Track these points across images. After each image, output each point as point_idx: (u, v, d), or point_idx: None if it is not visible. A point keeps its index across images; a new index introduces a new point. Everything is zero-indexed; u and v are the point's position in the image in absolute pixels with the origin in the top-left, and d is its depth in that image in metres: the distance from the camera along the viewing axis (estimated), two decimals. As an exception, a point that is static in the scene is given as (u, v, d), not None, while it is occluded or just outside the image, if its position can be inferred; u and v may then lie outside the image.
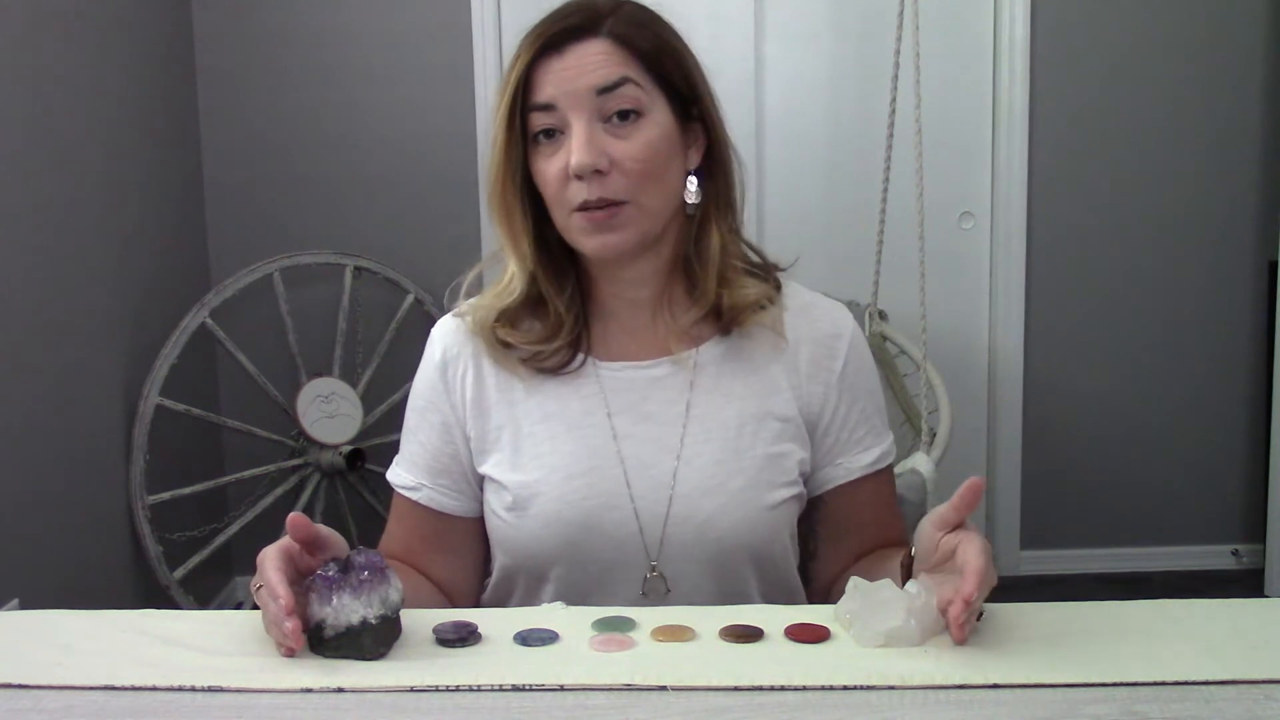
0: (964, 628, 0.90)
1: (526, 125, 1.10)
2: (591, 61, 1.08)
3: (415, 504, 1.20)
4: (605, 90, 1.08)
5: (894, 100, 2.29)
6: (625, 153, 1.08)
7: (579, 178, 1.07)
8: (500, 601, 1.22)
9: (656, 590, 1.14)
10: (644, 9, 1.14)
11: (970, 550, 0.91)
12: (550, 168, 1.09)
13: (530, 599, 1.18)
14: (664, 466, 1.14)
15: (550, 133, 1.09)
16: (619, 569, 1.14)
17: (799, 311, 1.19)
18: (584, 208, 1.08)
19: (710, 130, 1.16)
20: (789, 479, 1.16)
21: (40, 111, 2.35)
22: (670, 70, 1.12)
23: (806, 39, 3.20)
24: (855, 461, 1.19)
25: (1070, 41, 3.15)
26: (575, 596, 1.15)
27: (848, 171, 3.20)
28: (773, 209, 3.20)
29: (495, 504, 1.17)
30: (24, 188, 2.29)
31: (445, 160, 3.16)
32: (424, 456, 1.20)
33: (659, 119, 1.10)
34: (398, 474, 1.22)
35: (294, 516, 0.96)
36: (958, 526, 0.96)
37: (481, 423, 1.18)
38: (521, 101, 1.09)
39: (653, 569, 1.14)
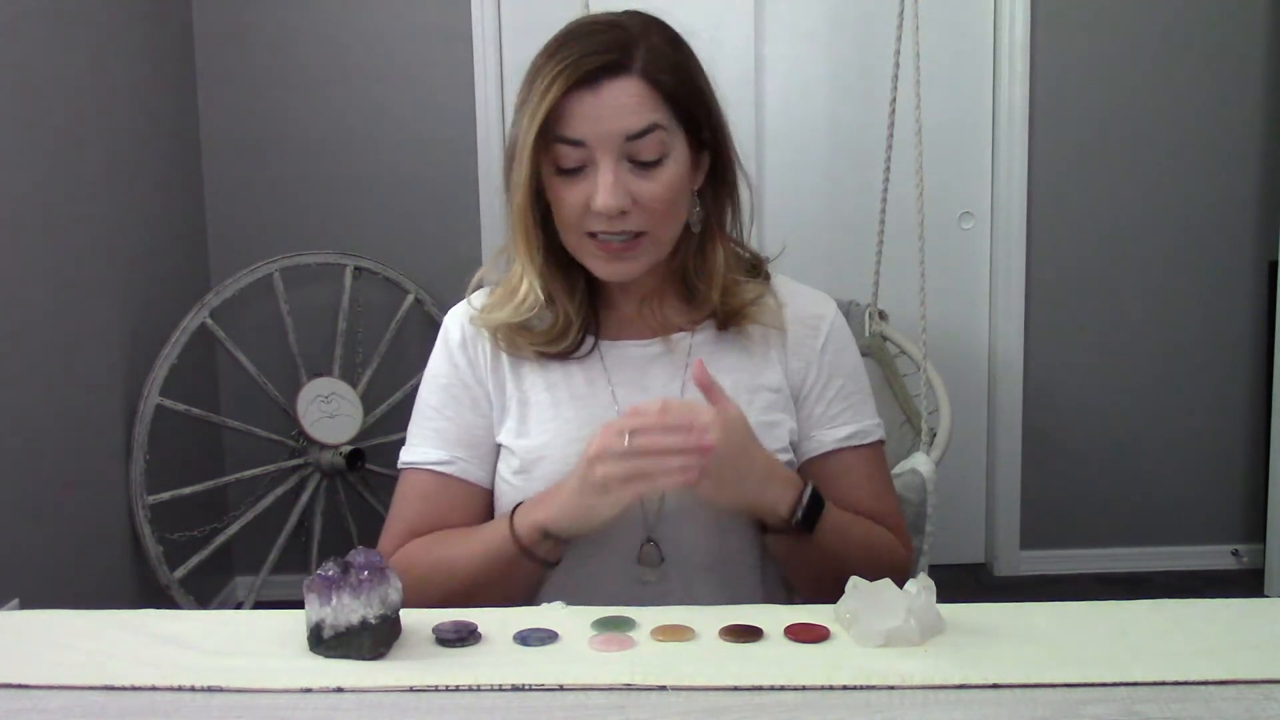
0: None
1: (550, 152, 1.12)
2: (624, 105, 1.10)
3: (445, 479, 1.22)
4: (635, 136, 1.10)
5: (894, 100, 2.29)
6: (649, 193, 1.12)
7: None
8: None
9: (651, 559, 1.18)
10: (669, 37, 1.16)
11: None
12: (571, 196, 1.12)
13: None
14: None
15: (573, 162, 1.12)
16: (616, 534, 1.17)
17: (785, 297, 1.25)
18: (600, 236, 1.12)
19: (718, 152, 1.19)
20: (780, 446, 1.20)
21: (40, 112, 2.35)
22: (693, 107, 1.15)
23: (806, 39, 3.20)
24: (828, 435, 1.23)
25: (1070, 41, 3.15)
26: (573, 562, 1.18)
27: (848, 171, 3.20)
28: (773, 209, 3.20)
29: (504, 470, 1.21)
30: (24, 188, 2.28)
31: (445, 161, 3.16)
32: (455, 431, 1.22)
33: (679, 157, 1.14)
34: (425, 452, 1.23)
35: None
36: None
37: (499, 393, 1.23)
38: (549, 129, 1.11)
39: (648, 539, 1.18)
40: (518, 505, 1.15)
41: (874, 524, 1.21)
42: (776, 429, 1.21)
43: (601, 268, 1.15)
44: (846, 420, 1.23)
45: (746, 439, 1.08)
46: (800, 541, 1.12)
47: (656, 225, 1.13)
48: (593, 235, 1.13)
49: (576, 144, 1.10)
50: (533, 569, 1.13)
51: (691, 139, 1.15)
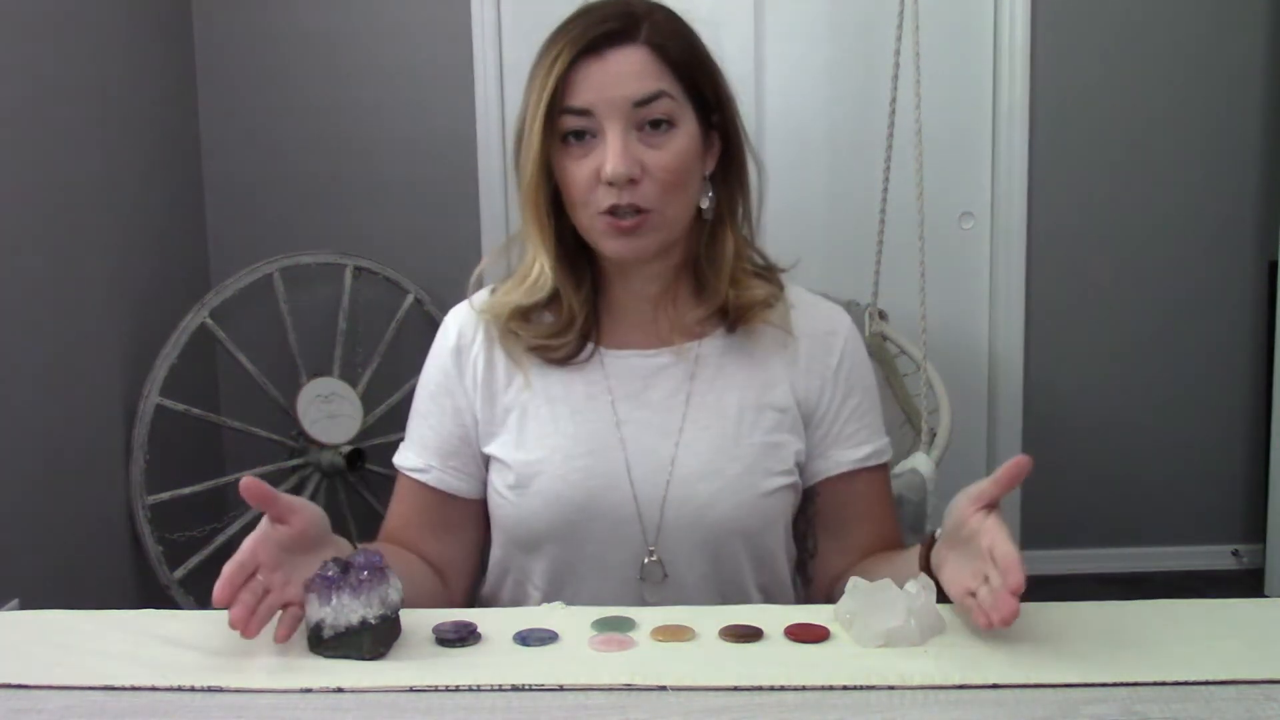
0: (1009, 619, 0.88)
1: (556, 124, 1.11)
2: (630, 70, 1.09)
3: (422, 485, 1.22)
4: (642, 103, 1.09)
5: (894, 100, 2.29)
6: (658, 162, 1.10)
7: (611, 184, 1.09)
8: (498, 584, 1.24)
9: (654, 576, 1.16)
10: (675, 15, 1.16)
11: (999, 538, 0.91)
12: (580, 170, 1.11)
13: (527, 581, 1.21)
14: (663, 451, 1.17)
15: (580, 134, 1.11)
16: (616, 551, 1.16)
17: (799, 310, 1.22)
18: (611, 212, 1.10)
19: (728, 137, 1.18)
20: (785, 468, 1.18)
21: (40, 112, 2.35)
22: (700, 81, 1.14)
23: (806, 39, 3.20)
24: (846, 455, 1.21)
25: (1070, 41, 3.14)
26: (572, 578, 1.17)
27: (848, 171, 3.20)
28: (773, 209, 3.14)
29: (498, 483, 1.19)
30: (24, 188, 2.28)
31: (445, 160, 3.16)
32: (435, 439, 1.22)
33: (688, 129, 1.13)
34: (407, 457, 1.23)
35: (246, 481, 0.95)
36: (992, 506, 0.96)
37: (490, 405, 1.20)
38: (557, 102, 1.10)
39: (650, 554, 1.16)
40: None
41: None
42: (781, 450, 1.18)
43: (613, 245, 1.12)
44: (863, 440, 1.21)
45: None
46: None
47: (664, 201, 1.11)
48: (603, 213, 1.11)
49: (584, 113, 1.09)
50: None
51: (700, 116, 1.14)
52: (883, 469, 1.24)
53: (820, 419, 1.20)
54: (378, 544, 1.20)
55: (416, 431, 1.23)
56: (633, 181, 1.09)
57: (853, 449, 1.20)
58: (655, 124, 1.10)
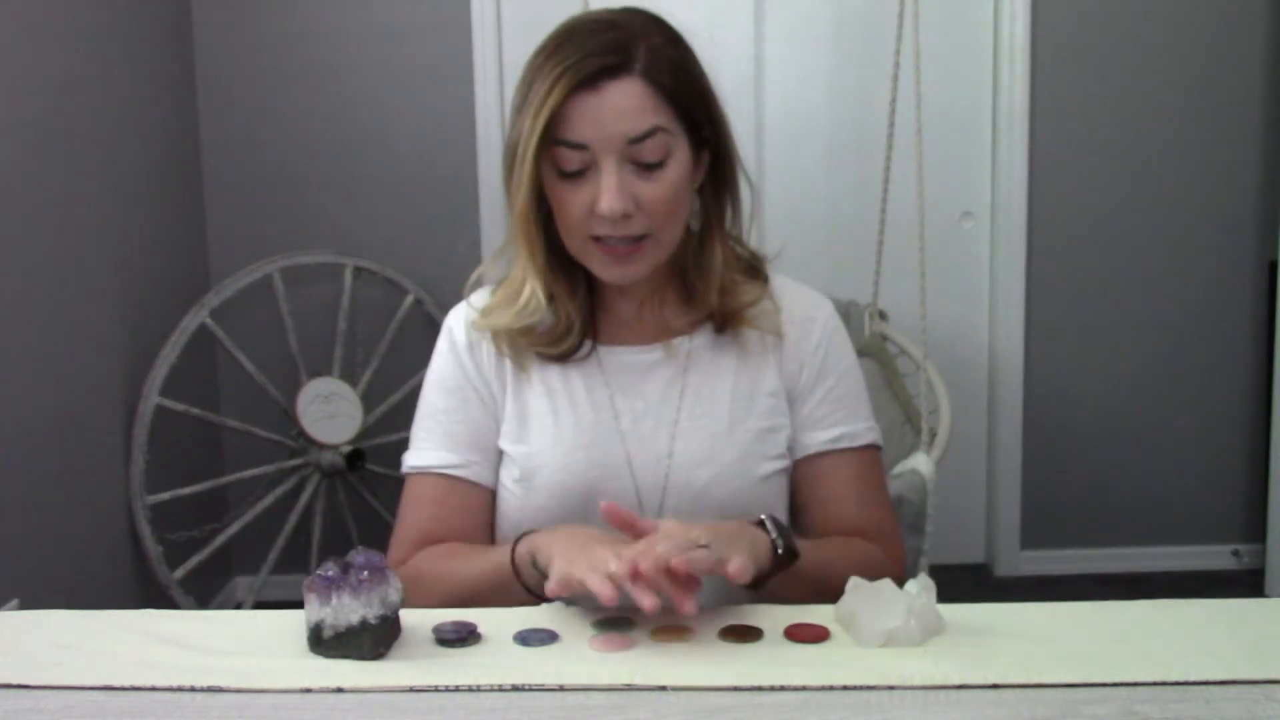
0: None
1: (549, 153, 1.11)
2: (626, 106, 1.09)
3: (458, 482, 1.20)
4: (637, 140, 1.09)
5: (894, 100, 2.29)
6: (651, 196, 1.11)
7: (605, 217, 1.10)
8: None
9: None
10: (670, 35, 1.15)
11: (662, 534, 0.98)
12: (574, 200, 1.11)
13: None
14: (661, 440, 1.19)
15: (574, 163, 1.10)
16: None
17: (783, 298, 1.24)
18: (605, 240, 1.11)
19: (718, 149, 1.18)
20: (779, 452, 1.20)
21: (40, 112, 2.35)
22: (694, 106, 1.14)
23: (806, 39, 3.20)
24: (815, 437, 1.22)
25: (1070, 41, 3.14)
26: None
27: (848, 171, 3.20)
28: (773, 209, 3.20)
29: (505, 478, 1.21)
30: (24, 188, 2.28)
31: (445, 160, 3.16)
32: (466, 433, 1.21)
33: (680, 158, 1.13)
34: (437, 455, 1.21)
35: (607, 505, 1.02)
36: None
37: (502, 398, 1.22)
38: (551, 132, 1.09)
39: None
40: (525, 533, 1.11)
41: (857, 546, 1.18)
42: (774, 434, 1.20)
43: (606, 271, 1.14)
44: (835, 423, 1.22)
45: (733, 532, 1.02)
46: (788, 580, 1.06)
47: (659, 227, 1.12)
48: (596, 239, 1.12)
49: (578, 147, 1.09)
50: (529, 598, 1.08)
51: (692, 138, 1.14)
52: (860, 453, 1.23)
53: (797, 401, 1.23)
54: (421, 552, 1.18)
55: (441, 429, 1.22)
56: (626, 215, 1.10)
57: (822, 431, 1.22)
58: (651, 162, 1.10)
